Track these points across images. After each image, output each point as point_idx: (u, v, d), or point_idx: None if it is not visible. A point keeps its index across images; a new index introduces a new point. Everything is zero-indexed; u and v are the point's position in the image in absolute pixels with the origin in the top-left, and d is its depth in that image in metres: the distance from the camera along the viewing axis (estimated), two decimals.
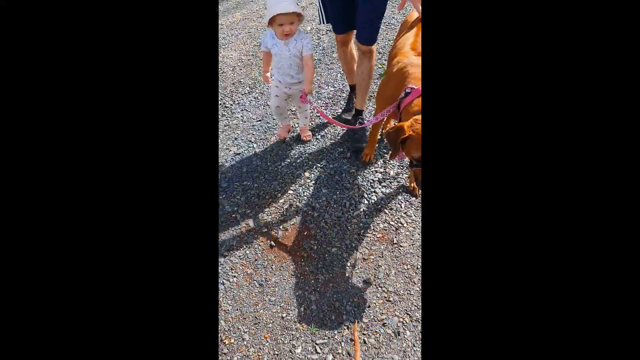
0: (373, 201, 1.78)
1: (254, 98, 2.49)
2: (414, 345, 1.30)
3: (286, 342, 1.32)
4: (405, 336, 1.32)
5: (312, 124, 2.25)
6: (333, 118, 2.21)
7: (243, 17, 3.60)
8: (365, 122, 1.67)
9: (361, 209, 1.75)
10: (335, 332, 1.34)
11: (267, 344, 1.32)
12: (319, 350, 1.30)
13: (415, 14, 1.71)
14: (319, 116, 2.30)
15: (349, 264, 1.54)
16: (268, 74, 1.86)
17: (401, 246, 1.60)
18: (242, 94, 2.55)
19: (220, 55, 3.00)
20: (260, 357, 1.28)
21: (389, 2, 1.71)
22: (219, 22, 3.53)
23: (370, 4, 1.68)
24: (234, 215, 1.74)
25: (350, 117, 2.16)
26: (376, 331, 1.34)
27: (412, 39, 1.59)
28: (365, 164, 1.93)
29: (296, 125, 2.19)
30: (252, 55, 2.97)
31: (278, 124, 2.17)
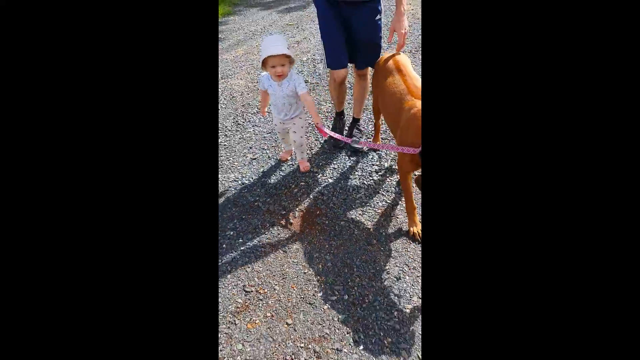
0: (372, 186, 2.19)
1: (262, 116, 2.94)
2: (412, 286, 1.66)
3: (309, 289, 1.68)
4: (405, 279, 1.69)
5: (315, 132, 2.69)
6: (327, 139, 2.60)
7: (245, 52, 4.14)
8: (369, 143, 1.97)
9: (362, 193, 2.15)
10: (349, 280, 1.70)
11: (294, 291, 1.67)
12: (336, 293, 1.66)
13: (385, 55, 2.03)
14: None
15: (355, 232, 1.92)
16: (265, 109, 2.19)
17: (397, 218, 1.99)
18: (252, 114, 3.00)
19: (228, 83, 3.49)
20: (290, 299, 1.64)
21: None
22: (224, 57, 4.06)
23: (365, 39, 2.07)
24: (256, 204, 2.14)
25: (359, 146, 2.36)
26: (381, 277, 1.70)
27: (403, 85, 1.79)
28: (417, 240, 1.86)
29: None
30: (257, 82, 3.46)
31: (281, 147, 2.52)
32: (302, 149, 2.27)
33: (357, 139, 2.42)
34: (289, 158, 2.44)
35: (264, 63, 1.91)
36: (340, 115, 2.55)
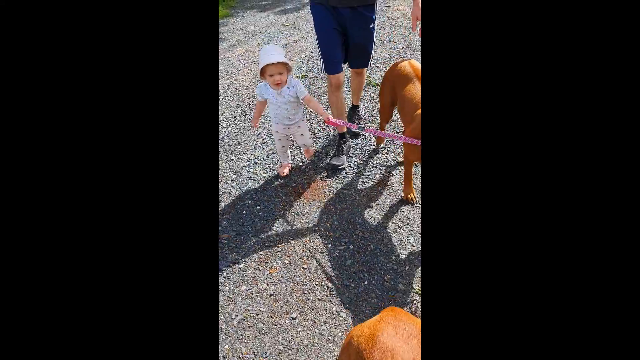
0: (370, 162, 2.58)
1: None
2: (407, 237, 2.05)
3: (320, 241, 2.06)
4: (401, 233, 2.08)
5: (318, 121, 3.08)
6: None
7: (246, 51, 4.53)
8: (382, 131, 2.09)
9: (361, 168, 2.55)
10: (353, 234, 2.09)
11: (307, 244, 2.05)
12: (343, 244, 2.04)
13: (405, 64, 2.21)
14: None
15: (357, 198, 2.31)
16: (257, 122, 2.35)
17: (393, 186, 2.38)
18: None
19: (233, 79, 3.87)
20: (304, 250, 2.02)
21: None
22: (227, 55, 4.45)
23: (359, 45, 2.32)
24: (269, 178, 2.51)
25: (339, 163, 2.53)
26: (381, 232, 2.09)
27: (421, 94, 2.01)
28: (413, 202, 2.28)
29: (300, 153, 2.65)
30: (259, 77, 3.85)
31: (279, 162, 2.59)
32: (308, 142, 2.46)
33: (363, 126, 2.74)
34: (286, 173, 2.51)
35: (262, 72, 2.05)
36: (342, 136, 2.64)
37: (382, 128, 2.66)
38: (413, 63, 2.19)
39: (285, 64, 2.03)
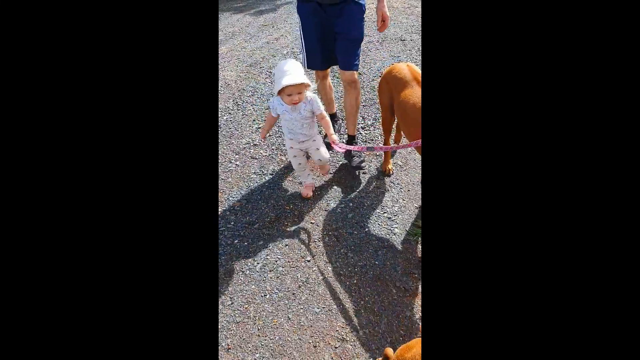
0: (360, 139, 3.00)
1: (258, 98, 3.70)
2: (398, 194, 2.46)
3: (324, 202, 2.45)
4: (392, 191, 2.51)
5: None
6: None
7: (228, 50, 4.89)
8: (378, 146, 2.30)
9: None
10: (350, 194, 2.48)
11: (312, 204, 2.44)
12: (343, 202, 2.43)
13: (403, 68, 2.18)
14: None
15: (350, 168, 2.71)
16: (266, 134, 2.36)
17: (381, 156, 2.80)
18: (248, 96, 3.76)
19: (221, 74, 4.23)
20: (311, 210, 2.40)
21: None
22: None
23: (348, 34, 2.30)
24: (270, 156, 2.90)
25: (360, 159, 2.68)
26: (375, 191, 2.49)
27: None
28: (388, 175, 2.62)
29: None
30: (246, 72, 4.23)
31: (303, 182, 2.54)
32: (327, 158, 2.39)
33: (371, 146, 2.80)
34: (311, 195, 2.50)
35: (280, 91, 1.99)
36: (333, 117, 2.84)
37: (386, 135, 2.57)
38: (411, 66, 2.19)
39: (306, 85, 2.01)
